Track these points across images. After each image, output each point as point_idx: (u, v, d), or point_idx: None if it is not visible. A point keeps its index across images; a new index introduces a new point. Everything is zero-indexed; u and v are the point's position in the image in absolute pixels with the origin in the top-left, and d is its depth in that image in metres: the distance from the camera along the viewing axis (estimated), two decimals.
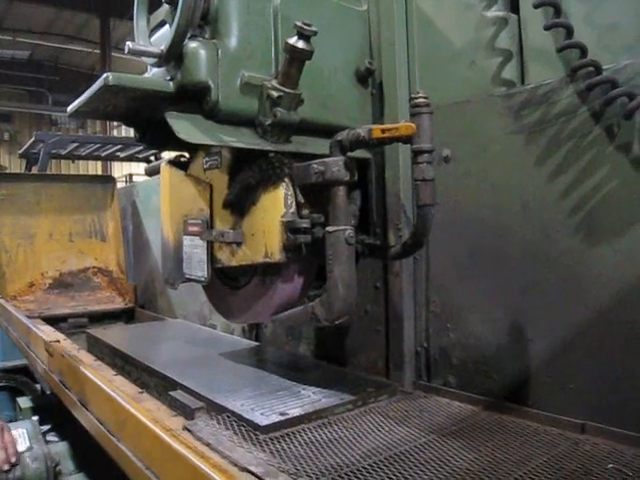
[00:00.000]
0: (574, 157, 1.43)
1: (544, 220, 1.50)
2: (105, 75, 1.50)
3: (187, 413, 1.55)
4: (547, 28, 1.43)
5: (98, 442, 1.72)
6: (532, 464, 1.26)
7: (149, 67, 1.79)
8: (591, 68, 1.36)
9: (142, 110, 1.73)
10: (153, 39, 1.79)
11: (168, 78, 1.62)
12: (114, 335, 2.71)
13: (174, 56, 1.57)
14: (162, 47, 1.57)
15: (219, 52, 1.56)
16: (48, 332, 2.67)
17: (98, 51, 15.75)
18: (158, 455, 1.33)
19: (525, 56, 1.59)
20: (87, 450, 2.51)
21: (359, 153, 1.68)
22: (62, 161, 13.45)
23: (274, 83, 1.56)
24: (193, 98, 1.59)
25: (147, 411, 1.50)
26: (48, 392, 3.50)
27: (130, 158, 6.56)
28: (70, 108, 1.78)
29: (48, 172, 5.66)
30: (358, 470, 1.24)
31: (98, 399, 1.75)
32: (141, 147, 5.99)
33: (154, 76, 1.72)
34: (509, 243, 1.58)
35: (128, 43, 1.55)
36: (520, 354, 1.55)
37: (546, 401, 1.51)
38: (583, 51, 1.37)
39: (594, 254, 1.40)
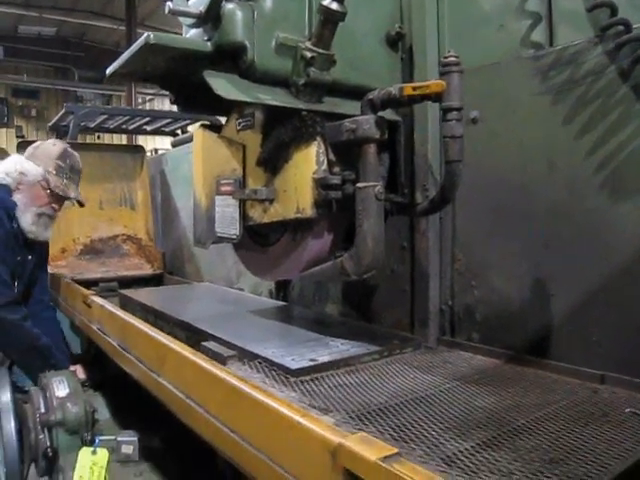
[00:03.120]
0: (601, 116, 1.46)
1: (569, 178, 1.54)
2: (146, 34, 1.56)
3: (219, 360, 1.62)
4: None
5: (138, 381, 1.82)
6: (551, 407, 1.32)
7: (185, 29, 1.85)
8: (621, 27, 1.39)
9: (179, 71, 1.79)
10: (190, 3, 1.84)
11: (205, 39, 1.68)
12: (146, 295, 2.81)
13: (212, 17, 1.62)
14: (201, 8, 1.63)
15: (255, 13, 1.62)
16: (84, 289, 2.79)
17: (123, 28, 15.80)
18: (198, 384, 1.42)
19: (554, 18, 1.61)
20: (118, 403, 2.65)
21: (389, 115, 1.73)
22: (87, 137, 13.60)
23: (308, 44, 1.61)
24: (229, 58, 1.65)
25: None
26: (78, 352, 3.64)
27: (157, 131, 6.62)
28: (109, 69, 1.84)
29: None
30: (385, 408, 1.32)
31: (138, 341, 1.85)
32: (168, 120, 6.06)
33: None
34: (534, 201, 1.62)
35: (168, 3, 1.60)
36: (543, 309, 1.61)
37: (567, 354, 1.56)
38: (613, 10, 1.40)
39: (617, 211, 1.44)
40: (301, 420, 1.06)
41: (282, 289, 2.67)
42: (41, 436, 2.17)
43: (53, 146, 2.87)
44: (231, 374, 1.33)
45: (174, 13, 1.64)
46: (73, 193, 2.86)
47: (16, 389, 2.62)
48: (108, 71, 1.87)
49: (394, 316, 2.03)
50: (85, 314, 2.56)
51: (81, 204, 3.03)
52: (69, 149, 2.92)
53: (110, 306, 2.20)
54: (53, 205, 2.83)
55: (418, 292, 1.93)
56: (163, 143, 12.35)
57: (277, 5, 1.65)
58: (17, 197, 2.74)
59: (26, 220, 2.75)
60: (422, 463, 1.01)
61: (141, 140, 13.31)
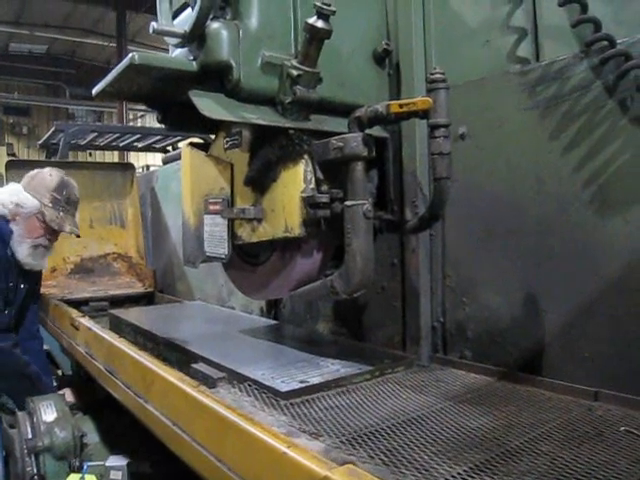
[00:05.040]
0: (588, 131, 1.46)
1: (558, 194, 1.53)
2: (131, 54, 1.55)
3: (209, 383, 1.60)
4: (562, 4, 1.46)
5: (124, 406, 1.79)
6: (545, 427, 1.30)
7: (171, 49, 1.84)
8: (605, 42, 1.39)
9: (165, 91, 1.78)
10: (175, 22, 1.83)
11: (191, 58, 1.67)
12: (136, 315, 2.78)
13: (197, 36, 1.62)
14: (185, 28, 1.62)
15: (240, 32, 1.61)
16: (72, 310, 2.76)
17: (114, 44, 15.86)
18: (185, 410, 1.40)
19: (540, 33, 1.62)
20: (108, 426, 2.60)
21: (376, 132, 1.72)
22: (79, 154, 13.58)
23: (294, 62, 1.60)
24: (215, 77, 1.64)
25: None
26: (70, 373, 3.60)
27: (148, 148, 6.63)
28: (96, 89, 1.83)
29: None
30: (377, 431, 1.29)
31: (125, 365, 1.82)
32: (159, 137, 6.06)
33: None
34: (523, 217, 1.61)
35: (153, 23, 1.60)
36: (534, 325, 1.59)
37: (560, 371, 1.54)
38: (597, 25, 1.40)
39: (606, 225, 1.43)
40: (287, 450, 1.03)
41: (273, 307, 2.64)
42: (28, 462, 2.13)
43: (50, 177, 2.84)
44: (217, 401, 1.30)
45: (159, 33, 1.63)
46: (68, 227, 2.84)
47: (6, 412, 2.58)
48: (94, 91, 1.86)
49: (386, 334, 2.00)
50: (72, 336, 2.53)
51: (77, 236, 3.02)
52: (65, 178, 2.90)
53: (97, 329, 2.17)
54: (48, 237, 2.83)
55: (409, 309, 1.91)
56: (155, 159, 12.35)
57: (262, 23, 1.64)
58: (13, 228, 2.74)
59: (22, 252, 2.75)
60: None
61: (133, 156, 13.32)
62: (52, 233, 2.83)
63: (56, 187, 2.80)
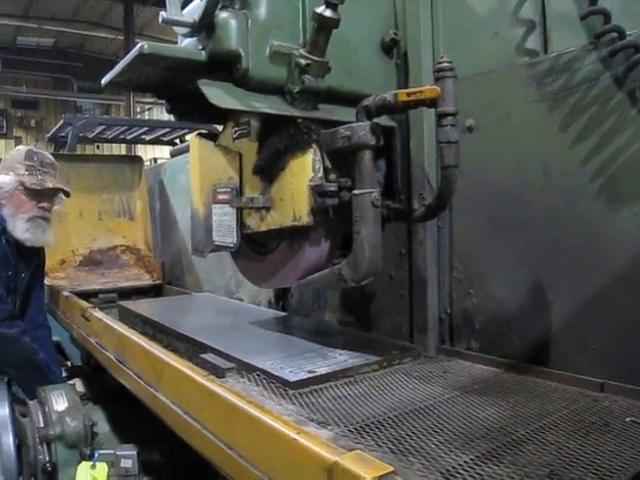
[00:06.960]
0: (596, 123, 1.45)
1: (566, 186, 1.53)
2: (141, 44, 1.56)
3: (218, 373, 1.61)
4: None
5: (135, 396, 1.81)
6: (552, 417, 1.31)
7: (180, 39, 1.85)
8: (614, 34, 1.38)
9: (174, 80, 1.79)
10: (184, 12, 1.84)
11: (200, 48, 1.68)
12: (145, 306, 2.79)
13: (206, 26, 1.62)
14: (194, 17, 1.63)
15: (249, 22, 1.62)
16: (83, 302, 2.78)
17: (122, 37, 15.88)
18: (196, 399, 1.41)
19: (548, 25, 1.61)
20: (118, 415, 2.63)
21: (384, 121, 1.72)
22: (87, 147, 13.63)
23: (302, 51, 1.61)
24: (224, 67, 1.64)
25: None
26: (79, 363, 3.63)
27: (155, 141, 6.64)
28: (105, 79, 1.84)
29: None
30: (384, 420, 1.30)
31: (135, 355, 1.83)
32: (166, 130, 6.07)
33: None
34: (531, 209, 1.61)
35: (162, 13, 1.60)
36: (541, 317, 1.59)
37: (566, 362, 1.54)
38: (606, 17, 1.39)
39: (614, 218, 1.43)
40: (296, 437, 1.04)
41: (281, 298, 2.65)
42: (40, 451, 2.15)
43: (17, 152, 2.86)
44: (227, 389, 1.32)
45: (168, 22, 1.64)
46: (51, 184, 2.80)
47: (17, 401, 2.60)
48: (103, 81, 1.87)
49: (394, 323, 2.01)
50: (83, 327, 2.55)
51: (67, 193, 2.94)
52: (34, 149, 2.92)
53: (108, 320, 2.19)
54: (40, 205, 2.78)
55: (417, 300, 1.91)
56: (163, 152, 12.37)
57: (271, 13, 1.65)
58: (3, 211, 2.73)
59: (19, 230, 2.73)
60: (420, 477, 1.00)
61: (140, 149, 13.34)
62: (40, 199, 2.78)
63: (26, 156, 2.79)
